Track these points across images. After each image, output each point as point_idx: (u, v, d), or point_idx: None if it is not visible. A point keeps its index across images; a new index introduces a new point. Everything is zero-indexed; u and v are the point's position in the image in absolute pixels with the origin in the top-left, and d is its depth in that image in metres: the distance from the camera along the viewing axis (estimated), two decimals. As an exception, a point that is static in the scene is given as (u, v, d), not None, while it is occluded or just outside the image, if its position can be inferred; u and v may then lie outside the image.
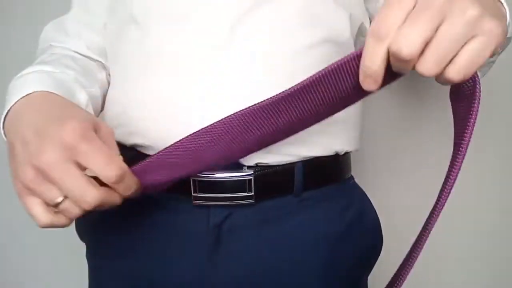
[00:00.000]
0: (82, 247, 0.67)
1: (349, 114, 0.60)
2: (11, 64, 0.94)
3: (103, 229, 0.61)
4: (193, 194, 0.54)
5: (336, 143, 0.59)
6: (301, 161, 0.56)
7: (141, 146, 0.56)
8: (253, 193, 0.54)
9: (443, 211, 0.51)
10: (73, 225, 0.67)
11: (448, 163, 0.53)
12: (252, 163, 0.54)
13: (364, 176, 0.67)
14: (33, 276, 1.04)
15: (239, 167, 0.54)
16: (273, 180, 0.55)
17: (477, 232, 0.96)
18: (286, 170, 0.55)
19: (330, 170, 0.60)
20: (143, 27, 0.55)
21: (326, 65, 0.57)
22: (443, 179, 0.92)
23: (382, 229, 0.66)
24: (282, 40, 0.54)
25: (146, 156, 0.55)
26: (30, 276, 1.04)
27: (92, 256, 0.65)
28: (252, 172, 0.54)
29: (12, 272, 1.03)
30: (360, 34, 0.65)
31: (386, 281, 0.54)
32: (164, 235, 0.57)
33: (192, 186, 0.54)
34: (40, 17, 0.91)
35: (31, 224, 1.00)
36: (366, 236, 0.63)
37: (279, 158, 0.55)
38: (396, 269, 0.53)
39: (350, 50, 0.62)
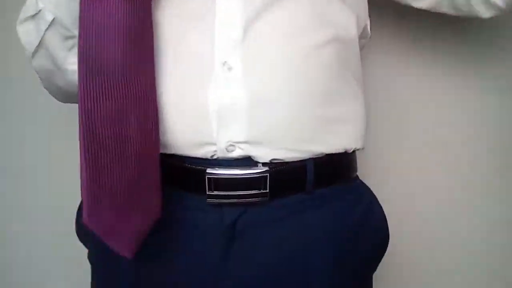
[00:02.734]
0: (83, 249, 0.67)
1: (357, 112, 0.61)
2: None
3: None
4: (207, 192, 0.54)
5: (344, 139, 0.59)
6: (313, 158, 0.56)
7: None
8: (268, 190, 0.54)
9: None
10: (73, 226, 0.67)
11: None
12: (267, 160, 0.54)
13: (366, 176, 0.68)
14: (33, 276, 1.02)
15: (253, 164, 0.54)
16: (287, 177, 0.55)
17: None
18: (299, 167, 0.56)
19: (339, 168, 0.61)
20: (156, 25, 0.55)
21: (336, 63, 0.58)
22: (447, 179, 0.94)
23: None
24: (294, 40, 0.55)
25: None
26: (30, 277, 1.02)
27: (97, 257, 0.64)
28: (267, 169, 0.54)
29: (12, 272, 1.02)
30: (361, 37, 0.66)
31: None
32: (177, 234, 0.56)
33: (207, 184, 0.54)
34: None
35: (30, 225, 0.99)
36: (374, 233, 0.63)
37: (293, 154, 0.55)
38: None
39: (356, 48, 0.63)
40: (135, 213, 0.50)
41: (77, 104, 0.48)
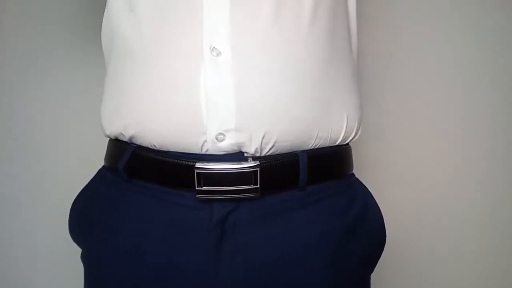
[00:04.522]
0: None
1: (351, 96, 0.60)
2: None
3: (102, 229, 0.59)
4: (197, 188, 0.53)
5: (339, 126, 0.58)
6: (306, 151, 0.55)
7: (140, 137, 0.56)
8: (258, 186, 0.53)
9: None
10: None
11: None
12: (257, 150, 0.53)
13: (363, 174, 0.67)
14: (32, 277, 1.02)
15: (244, 159, 0.53)
16: (278, 172, 0.54)
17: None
18: (291, 161, 0.55)
19: (334, 163, 0.59)
20: (136, 15, 0.55)
21: (329, 44, 0.56)
22: (444, 177, 0.94)
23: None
24: (285, 19, 0.53)
25: (145, 149, 0.56)
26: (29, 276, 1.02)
27: (89, 257, 0.63)
28: (258, 163, 0.53)
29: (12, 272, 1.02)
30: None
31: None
32: (166, 232, 0.55)
33: (196, 179, 0.53)
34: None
35: (29, 224, 1.00)
36: (371, 232, 0.62)
37: (284, 142, 0.54)
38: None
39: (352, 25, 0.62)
40: None
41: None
